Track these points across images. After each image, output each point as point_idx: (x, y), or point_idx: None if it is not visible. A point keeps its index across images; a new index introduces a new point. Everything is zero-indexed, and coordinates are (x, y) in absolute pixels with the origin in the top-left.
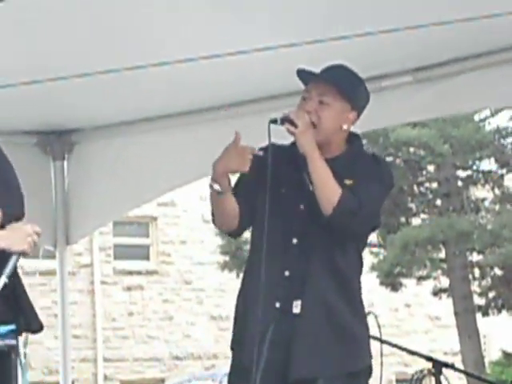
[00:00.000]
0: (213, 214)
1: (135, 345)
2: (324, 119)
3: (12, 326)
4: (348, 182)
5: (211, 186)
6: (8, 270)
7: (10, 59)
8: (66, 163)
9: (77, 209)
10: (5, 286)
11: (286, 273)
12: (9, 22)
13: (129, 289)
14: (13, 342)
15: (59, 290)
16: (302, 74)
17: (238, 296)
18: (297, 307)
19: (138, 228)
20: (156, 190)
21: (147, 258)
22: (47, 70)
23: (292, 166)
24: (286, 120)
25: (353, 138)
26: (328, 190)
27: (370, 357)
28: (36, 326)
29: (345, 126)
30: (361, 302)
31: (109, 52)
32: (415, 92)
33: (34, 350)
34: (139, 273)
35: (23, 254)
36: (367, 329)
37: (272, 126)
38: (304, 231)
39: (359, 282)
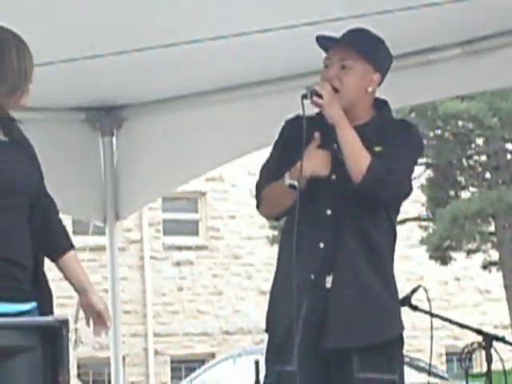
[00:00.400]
0: (266, 205)
1: (185, 320)
2: (347, 83)
3: (34, 304)
4: (377, 148)
5: (292, 185)
6: None
7: (59, 35)
8: (114, 139)
9: (126, 185)
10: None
11: (321, 245)
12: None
13: (178, 264)
14: (64, 317)
15: (109, 266)
16: (322, 41)
17: (275, 273)
18: (329, 282)
19: (187, 203)
20: (204, 165)
21: (196, 233)
22: (97, 46)
23: (323, 137)
24: (312, 93)
25: (380, 104)
26: (357, 158)
27: (402, 327)
28: (51, 310)
29: (370, 89)
30: (392, 273)
31: (157, 29)
32: (463, 65)
33: (85, 326)
34: (188, 248)
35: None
36: (397, 299)
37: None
38: (337, 202)
39: (392, 252)
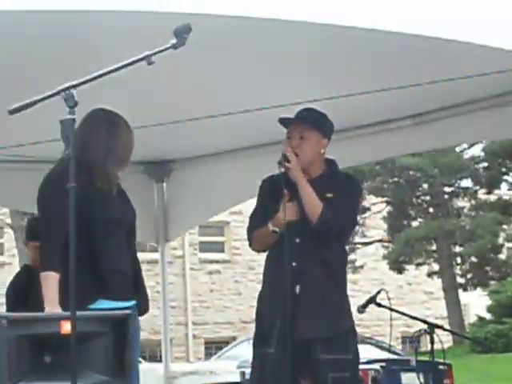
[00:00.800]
0: (255, 244)
1: (215, 312)
2: (305, 149)
3: (133, 302)
4: (329, 195)
5: (276, 232)
6: None
7: (126, 110)
8: (165, 185)
9: (173, 217)
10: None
11: (294, 263)
12: (123, 83)
13: (210, 273)
14: (128, 311)
15: (160, 274)
16: (283, 121)
17: (263, 283)
18: (298, 289)
19: (216, 229)
20: (228, 202)
21: (223, 250)
22: (152, 118)
23: (291, 189)
24: (284, 160)
25: (330, 162)
26: (313, 206)
27: (352, 321)
28: (146, 308)
29: (322, 151)
30: (343, 282)
31: (195, 104)
32: (413, 132)
33: (144, 317)
34: (217, 261)
35: None
36: (347, 301)
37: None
38: (303, 234)
39: (344, 267)
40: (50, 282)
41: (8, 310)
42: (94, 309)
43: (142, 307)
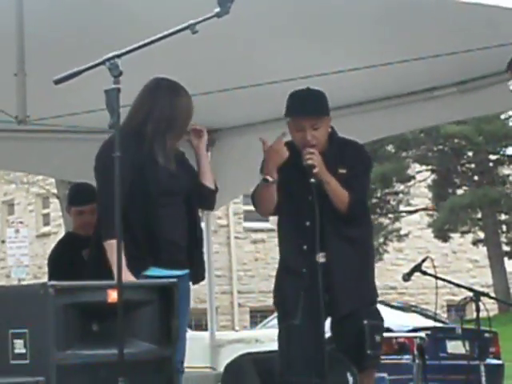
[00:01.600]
0: (257, 204)
1: (259, 281)
2: (320, 138)
3: (186, 271)
4: (341, 170)
5: (266, 179)
6: None
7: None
8: (209, 154)
9: (218, 186)
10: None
11: (304, 246)
12: (166, 53)
13: (254, 242)
14: (175, 280)
15: (206, 243)
16: (289, 112)
17: (279, 260)
18: (322, 257)
19: None
20: None
21: (267, 219)
22: (197, 87)
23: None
24: (310, 168)
25: (330, 131)
26: (340, 201)
27: (377, 295)
28: (202, 277)
29: (329, 130)
30: (371, 255)
31: (239, 73)
32: (458, 99)
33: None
34: (262, 230)
35: None
36: (373, 276)
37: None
38: (314, 215)
39: (369, 244)
40: (112, 246)
41: (50, 278)
42: (146, 276)
43: (197, 276)
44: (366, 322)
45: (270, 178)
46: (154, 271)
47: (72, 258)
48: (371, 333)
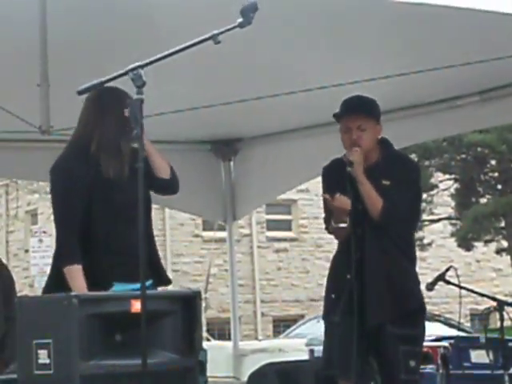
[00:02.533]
0: (335, 237)
1: (283, 290)
2: (366, 140)
3: (150, 281)
4: (385, 182)
5: (343, 227)
6: None
7: (193, 90)
8: (232, 163)
9: (240, 195)
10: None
11: (357, 254)
12: (189, 64)
13: (277, 251)
14: (198, 290)
15: (229, 253)
16: (337, 114)
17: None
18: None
19: (284, 207)
20: (295, 180)
21: (290, 229)
22: (218, 97)
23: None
24: (350, 164)
25: (384, 143)
26: (373, 204)
27: (419, 300)
28: (167, 280)
29: (378, 137)
30: (407, 266)
31: (262, 83)
32: (480, 108)
33: (212, 295)
34: (285, 240)
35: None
36: (415, 281)
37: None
38: (361, 225)
39: (407, 255)
40: (76, 274)
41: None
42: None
43: (162, 282)
44: (402, 347)
45: (344, 225)
46: (117, 287)
47: None
48: (405, 358)
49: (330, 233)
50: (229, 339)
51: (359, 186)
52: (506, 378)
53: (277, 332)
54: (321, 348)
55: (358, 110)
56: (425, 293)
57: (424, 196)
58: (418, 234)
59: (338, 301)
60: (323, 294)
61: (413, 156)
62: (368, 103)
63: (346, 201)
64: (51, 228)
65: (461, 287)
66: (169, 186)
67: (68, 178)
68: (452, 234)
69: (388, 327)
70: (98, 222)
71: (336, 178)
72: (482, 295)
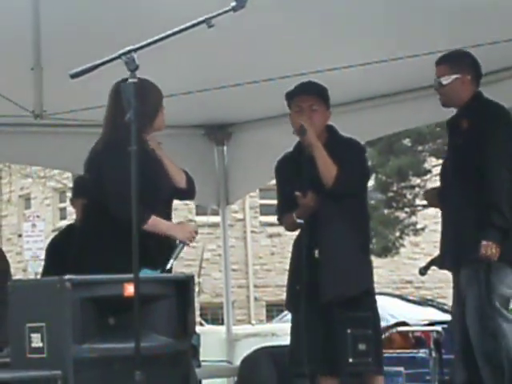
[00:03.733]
0: (286, 228)
1: (276, 275)
2: (317, 121)
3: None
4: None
5: (300, 224)
6: (175, 255)
7: (186, 74)
8: (225, 148)
9: (233, 179)
10: (171, 267)
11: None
12: (183, 47)
13: (271, 236)
14: (191, 274)
15: (222, 237)
16: (289, 94)
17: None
18: (316, 253)
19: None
20: None
21: None
22: (212, 81)
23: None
24: (302, 129)
25: (330, 129)
26: (328, 170)
27: (369, 283)
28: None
29: (327, 122)
30: (362, 245)
31: (255, 67)
32: None
33: (205, 280)
34: (278, 224)
35: (186, 244)
36: (367, 263)
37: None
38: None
39: (363, 231)
40: (156, 221)
41: (45, 267)
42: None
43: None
44: (349, 331)
45: (301, 221)
46: (144, 272)
47: (68, 250)
48: (354, 341)
49: (281, 223)
50: (222, 324)
51: (314, 151)
52: None
53: (270, 316)
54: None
55: (311, 90)
56: (418, 277)
57: (417, 181)
58: (411, 219)
59: (298, 295)
60: None
61: (406, 141)
62: (320, 87)
63: (315, 200)
64: (44, 212)
65: None
66: (185, 196)
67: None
68: None
69: (335, 310)
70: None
71: (290, 168)
72: None
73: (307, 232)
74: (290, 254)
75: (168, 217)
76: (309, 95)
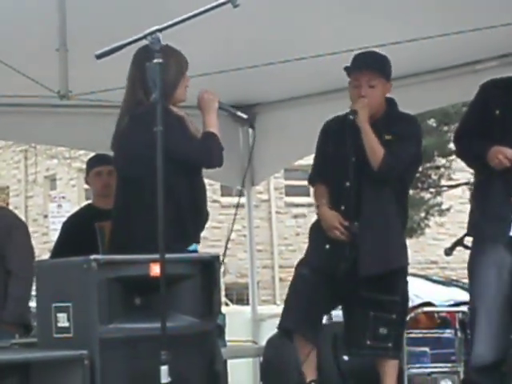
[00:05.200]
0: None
1: (300, 256)
2: (375, 96)
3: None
4: (387, 137)
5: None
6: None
7: (211, 54)
8: (250, 129)
9: (258, 161)
10: None
11: (342, 207)
12: (206, 27)
13: (296, 216)
14: (216, 254)
15: (247, 218)
16: (348, 68)
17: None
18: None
19: (302, 173)
20: (313, 146)
21: (308, 194)
22: (236, 62)
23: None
24: (354, 113)
25: (390, 102)
26: (374, 152)
27: (403, 262)
28: None
29: (387, 95)
30: (398, 224)
31: (279, 48)
32: (501, 72)
33: (230, 261)
34: (303, 205)
35: None
36: (402, 243)
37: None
38: (355, 177)
39: (401, 213)
40: None
41: (57, 242)
42: (189, 251)
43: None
44: (372, 313)
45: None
46: (193, 247)
47: (83, 229)
48: (375, 324)
49: (311, 186)
50: (247, 304)
51: (363, 134)
52: None
53: None
54: (339, 312)
55: (370, 65)
56: (443, 258)
57: (443, 161)
58: (436, 200)
59: (319, 256)
60: None
61: (431, 121)
62: (380, 60)
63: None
64: (70, 193)
65: None
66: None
67: None
68: (470, 200)
69: (361, 290)
70: (182, 174)
71: (336, 130)
72: None
73: (345, 195)
74: None
75: (202, 188)
76: (367, 70)
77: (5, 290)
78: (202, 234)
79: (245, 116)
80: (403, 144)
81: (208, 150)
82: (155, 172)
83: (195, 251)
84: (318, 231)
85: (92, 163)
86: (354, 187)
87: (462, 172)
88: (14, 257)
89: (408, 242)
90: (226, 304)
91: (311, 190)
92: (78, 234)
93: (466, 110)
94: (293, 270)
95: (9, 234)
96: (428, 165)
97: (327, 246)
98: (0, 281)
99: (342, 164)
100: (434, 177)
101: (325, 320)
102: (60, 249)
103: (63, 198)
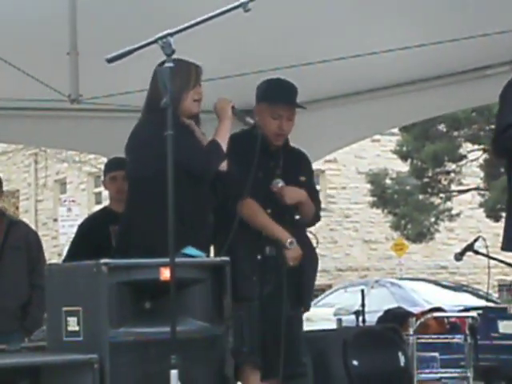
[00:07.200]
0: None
1: None
2: (290, 131)
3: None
4: (302, 178)
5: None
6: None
7: (219, 58)
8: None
9: None
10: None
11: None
12: (216, 32)
13: None
14: (227, 259)
15: None
16: (268, 97)
17: None
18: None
19: None
20: (323, 151)
21: None
22: (244, 66)
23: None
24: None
25: None
26: (307, 214)
27: None
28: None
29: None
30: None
31: (287, 52)
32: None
33: None
34: None
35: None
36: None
37: None
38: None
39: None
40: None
41: (72, 243)
42: (183, 254)
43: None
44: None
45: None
46: (189, 250)
47: (99, 232)
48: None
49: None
50: None
51: (299, 206)
52: None
53: None
54: (349, 317)
55: (294, 101)
56: (453, 263)
57: (453, 166)
58: (446, 205)
59: (258, 283)
60: (351, 264)
61: (441, 126)
62: (296, 93)
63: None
64: (80, 197)
65: (489, 257)
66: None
67: None
68: (480, 205)
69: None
70: (184, 181)
71: (246, 149)
72: (510, 265)
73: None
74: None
75: (203, 199)
76: (292, 105)
77: (28, 302)
78: None
79: (252, 121)
80: (313, 184)
81: (206, 159)
82: (159, 176)
83: (191, 255)
84: None
85: (108, 168)
86: (273, 214)
87: (472, 177)
88: (43, 272)
89: (418, 246)
90: None
91: None
92: (93, 236)
93: (501, 107)
94: None
95: (40, 251)
96: (438, 170)
97: None
98: (25, 292)
99: (263, 188)
100: (444, 182)
101: (335, 325)
102: (75, 250)
103: (73, 201)
